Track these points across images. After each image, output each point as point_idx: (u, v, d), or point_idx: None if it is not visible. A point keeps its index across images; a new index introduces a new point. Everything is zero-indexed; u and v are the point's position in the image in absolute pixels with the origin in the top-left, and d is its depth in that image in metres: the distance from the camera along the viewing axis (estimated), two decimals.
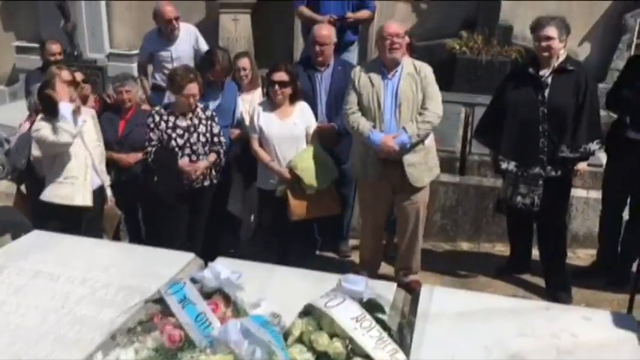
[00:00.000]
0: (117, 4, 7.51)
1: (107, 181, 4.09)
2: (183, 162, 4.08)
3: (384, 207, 4.16)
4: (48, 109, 3.69)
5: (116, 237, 4.67)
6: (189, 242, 4.29)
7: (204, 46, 5.46)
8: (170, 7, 5.20)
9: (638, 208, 4.19)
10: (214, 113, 4.25)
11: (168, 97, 4.59)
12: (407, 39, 4.44)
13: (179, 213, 4.25)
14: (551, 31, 3.78)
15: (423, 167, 3.95)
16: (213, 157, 4.23)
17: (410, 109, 3.83)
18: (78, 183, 3.74)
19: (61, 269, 2.57)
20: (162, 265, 2.62)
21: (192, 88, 4.01)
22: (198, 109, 4.15)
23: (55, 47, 5.16)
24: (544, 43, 3.81)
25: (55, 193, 3.75)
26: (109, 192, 4.09)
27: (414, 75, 3.86)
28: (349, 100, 3.96)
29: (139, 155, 4.39)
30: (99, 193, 3.98)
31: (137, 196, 4.54)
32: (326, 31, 4.43)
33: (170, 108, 4.15)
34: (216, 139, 4.23)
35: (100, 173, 3.98)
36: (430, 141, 4.00)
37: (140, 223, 4.78)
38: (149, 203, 4.58)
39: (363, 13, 5.22)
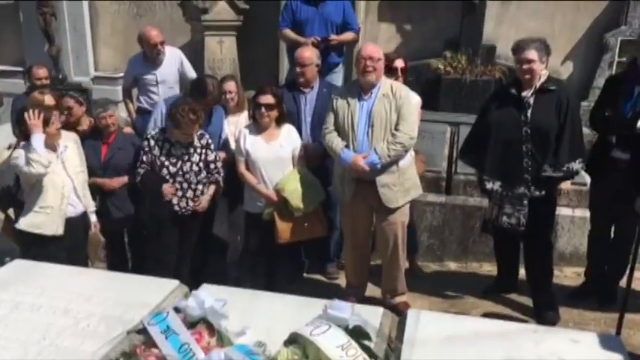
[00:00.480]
0: (101, 27, 7.51)
1: (91, 206, 4.05)
2: (166, 187, 4.06)
3: (364, 227, 4.15)
4: (25, 137, 3.68)
5: (112, 263, 4.65)
6: (177, 266, 4.28)
7: (189, 69, 5.47)
8: (155, 31, 5.21)
9: (623, 226, 4.20)
10: (210, 141, 4.24)
11: (154, 121, 4.58)
12: (402, 62, 4.46)
13: (167, 237, 4.22)
14: (532, 53, 3.82)
15: (398, 188, 3.95)
16: (212, 189, 4.26)
17: (382, 129, 3.85)
18: (53, 213, 3.69)
19: (43, 300, 2.53)
20: (145, 294, 2.58)
21: (192, 128, 4.01)
22: (195, 137, 4.13)
23: (42, 72, 5.13)
24: (525, 66, 3.85)
25: (28, 222, 3.72)
26: (92, 218, 4.05)
27: (390, 96, 3.88)
28: (327, 120, 4.02)
29: (124, 179, 4.39)
30: (82, 220, 3.94)
31: (123, 221, 4.51)
32: (308, 53, 4.46)
33: (166, 134, 4.13)
34: (212, 166, 4.22)
35: (82, 199, 3.93)
36: (406, 162, 3.99)
37: (126, 248, 4.74)
38: (136, 228, 4.56)
39: (347, 35, 5.27)
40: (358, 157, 3.84)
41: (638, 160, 3.93)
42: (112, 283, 2.79)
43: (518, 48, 3.91)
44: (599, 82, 6.05)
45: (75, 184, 3.81)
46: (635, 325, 3.93)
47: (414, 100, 4.28)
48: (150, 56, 5.25)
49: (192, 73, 5.45)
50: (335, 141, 3.94)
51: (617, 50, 6.28)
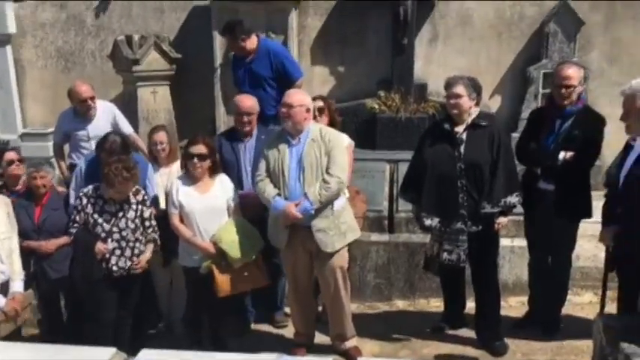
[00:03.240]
0: (29, 82, 7.31)
1: (16, 274, 3.76)
2: (99, 245, 3.92)
3: (305, 272, 4.09)
4: None
5: (48, 327, 4.47)
6: (116, 328, 4.09)
7: (123, 123, 5.34)
8: (85, 86, 5.07)
9: (557, 255, 4.30)
10: (146, 197, 4.13)
11: (75, 178, 4.43)
12: (320, 102, 4.45)
13: (104, 298, 4.03)
14: (460, 89, 3.94)
15: (334, 232, 3.91)
16: (150, 247, 4.12)
17: (314, 173, 3.84)
18: None
19: None
20: None
21: (126, 186, 3.90)
22: (129, 193, 4.01)
23: None
24: (453, 101, 3.97)
25: None
26: (14, 287, 3.75)
27: (319, 140, 3.89)
28: (259, 167, 4.00)
29: (60, 240, 4.25)
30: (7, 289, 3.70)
31: (61, 283, 4.32)
32: (250, 102, 4.47)
33: (99, 190, 3.99)
34: (147, 224, 4.09)
35: (8, 266, 3.68)
36: (341, 206, 3.97)
37: (62, 313, 4.54)
38: (71, 290, 4.37)
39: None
40: (290, 206, 3.80)
41: (563, 191, 4.08)
42: (43, 356, 2.63)
43: (448, 84, 4.05)
44: (527, 113, 6.27)
45: None
46: (580, 352, 4.00)
47: (345, 142, 4.29)
48: (80, 112, 5.11)
49: (126, 127, 5.32)
50: (267, 189, 3.90)
51: (541, 82, 6.56)
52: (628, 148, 3.53)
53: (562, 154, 4.04)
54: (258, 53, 5.28)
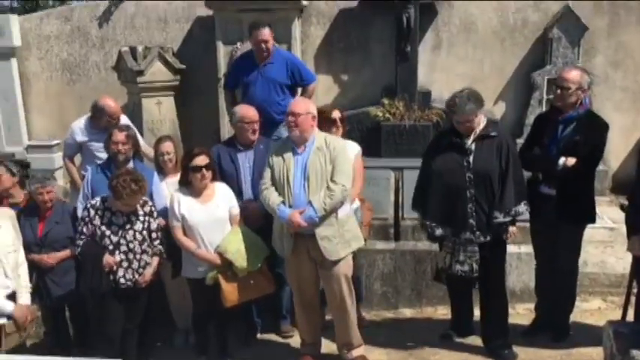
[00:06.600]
0: (34, 95, 7.35)
1: (23, 287, 3.77)
2: (107, 258, 3.91)
3: (310, 281, 4.07)
4: None
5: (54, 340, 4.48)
6: (122, 339, 4.09)
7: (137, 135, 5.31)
8: (115, 104, 5.04)
9: (563, 260, 4.24)
10: (154, 208, 4.13)
11: (83, 189, 4.43)
12: (338, 113, 4.45)
13: (111, 311, 4.04)
14: (470, 114, 3.89)
15: (338, 240, 3.90)
16: (156, 261, 4.11)
17: (318, 181, 3.84)
18: None
19: None
20: None
21: (134, 199, 3.90)
22: (137, 205, 4.02)
23: None
24: (467, 124, 3.94)
25: None
26: (21, 299, 3.75)
27: (324, 149, 3.90)
28: (264, 175, 4.00)
29: (61, 254, 4.29)
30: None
31: (63, 297, 4.35)
32: (252, 112, 4.47)
33: (107, 202, 4.00)
34: (154, 235, 4.09)
35: (13, 279, 3.67)
36: (345, 214, 3.96)
37: (68, 325, 4.54)
38: (77, 302, 4.38)
39: (308, 91, 5.28)
40: (295, 214, 3.79)
41: (564, 196, 4.06)
42: None
43: (455, 110, 3.94)
44: (531, 119, 6.26)
45: (4, 265, 3.58)
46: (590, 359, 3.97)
47: (353, 150, 4.30)
48: (105, 126, 4.95)
49: (140, 140, 5.27)
50: (271, 197, 3.89)
51: (545, 88, 6.55)
52: None
53: (562, 160, 4.02)
54: (274, 59, 5.28)
